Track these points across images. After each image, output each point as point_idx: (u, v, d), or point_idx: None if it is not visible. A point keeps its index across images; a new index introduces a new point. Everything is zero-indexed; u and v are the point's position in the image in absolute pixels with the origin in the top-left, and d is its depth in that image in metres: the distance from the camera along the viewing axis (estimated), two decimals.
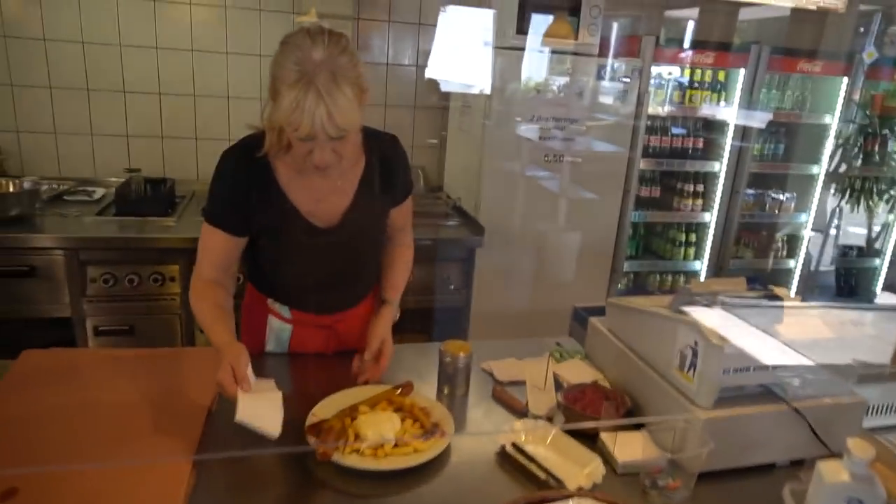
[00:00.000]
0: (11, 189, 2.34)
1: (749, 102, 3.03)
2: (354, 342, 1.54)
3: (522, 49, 2.62)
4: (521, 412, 1.31)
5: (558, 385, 1.39)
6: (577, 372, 1.43)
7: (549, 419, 1.28)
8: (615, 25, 2.91)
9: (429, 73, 3.02)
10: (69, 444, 1.08)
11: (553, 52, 2.64)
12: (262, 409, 1.08)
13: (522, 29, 2.63)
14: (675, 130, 3.10)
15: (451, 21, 2.85)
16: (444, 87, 2.97)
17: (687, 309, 1.19)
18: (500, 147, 2.69)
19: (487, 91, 2.60)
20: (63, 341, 2.37)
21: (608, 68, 2.73)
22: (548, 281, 2.91)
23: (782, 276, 3.51)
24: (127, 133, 2.84)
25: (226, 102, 2.91)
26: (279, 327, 1.50)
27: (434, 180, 3.29)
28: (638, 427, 1.16)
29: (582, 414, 1.22)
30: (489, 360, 1.51)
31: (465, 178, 2.91)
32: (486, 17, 2.69)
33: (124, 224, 2.40)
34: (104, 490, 0.96)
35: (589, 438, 1.20)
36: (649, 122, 2.95)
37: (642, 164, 2.95)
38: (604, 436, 1.19)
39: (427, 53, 3.05)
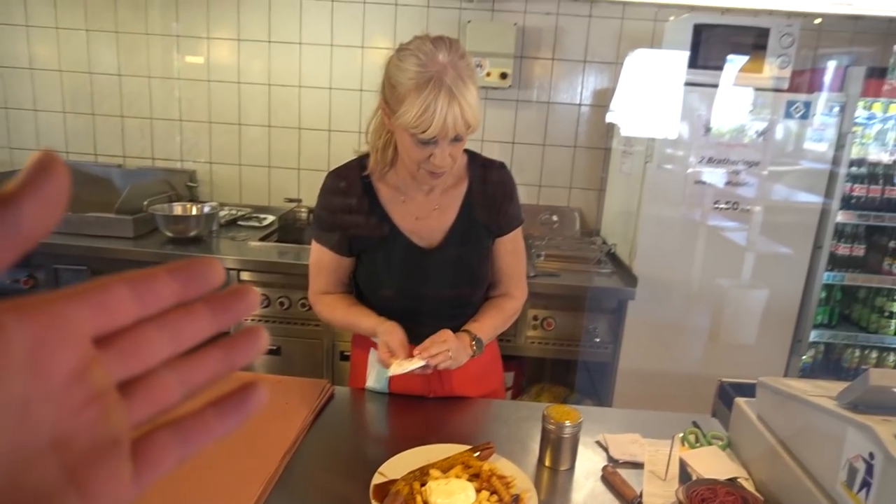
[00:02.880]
0: (194, 212, 2.62)
1: None
2: (459, 388, 1.43)
3: (697, 85, 2.36)
4: (630, 503, 1.08)
5: (686, 476, 1.14)
6: (714, 463, 1.17)
7: None
8: (812, 56, 2.52)
9: (609, 117, 2.87)
10: None
11: (736, 86, 2.35)
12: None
13: (696, 62, 2.39)
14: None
15: (629, 63, 2.68)
16: (623, 133, 2.77)
17: (864, 406, 0.91)
18: (661, 190, 2.43)
19: (672, 136, 2.37)
20: None
21: (801, 105, 2.35)
22: (710, 345, 2.54)
23: None
24: (299, 166, 3.07)
25: None
26: (379, 361, 1.43)
27: (591, 224, 3.10)
28: None
29: None
30: (610, 431, 1.30)
31: (622, 222, 2.69)
32: (656, 53, 2.48)
33: (282, 250, 2.55)
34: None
35: None
36: (853, 168, 2.49)
37: (841, 217, 2.48)
38: None
39: (592, 92, 2.92)
